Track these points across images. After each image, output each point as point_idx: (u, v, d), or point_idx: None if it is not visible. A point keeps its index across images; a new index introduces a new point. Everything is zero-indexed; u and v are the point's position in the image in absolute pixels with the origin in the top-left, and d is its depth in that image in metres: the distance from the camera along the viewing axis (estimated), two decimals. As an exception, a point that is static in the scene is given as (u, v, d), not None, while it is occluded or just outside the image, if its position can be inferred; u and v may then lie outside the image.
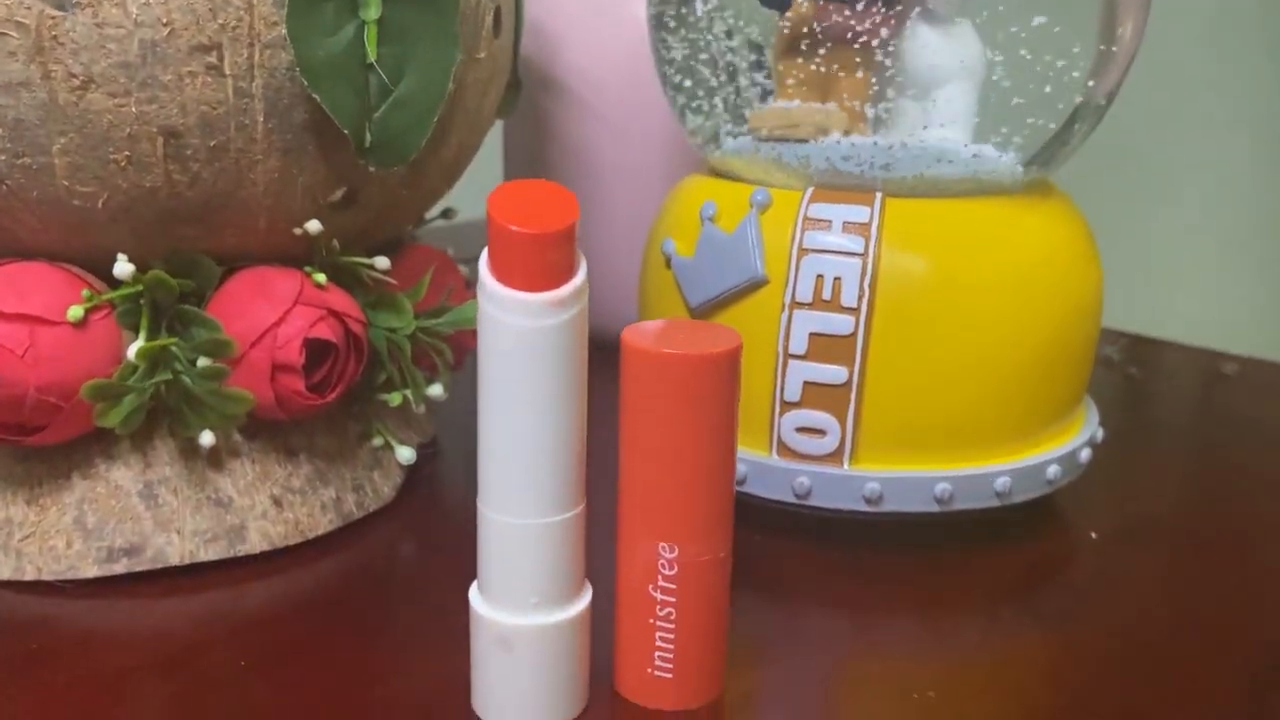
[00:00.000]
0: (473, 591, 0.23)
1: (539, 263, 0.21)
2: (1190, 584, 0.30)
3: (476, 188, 0.39)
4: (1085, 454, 0.32)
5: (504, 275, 0.21)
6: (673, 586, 0.23)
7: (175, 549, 0.28)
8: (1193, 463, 0.39)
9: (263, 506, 0.30)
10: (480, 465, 0.22)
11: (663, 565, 0.23)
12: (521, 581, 0.22)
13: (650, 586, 0.23)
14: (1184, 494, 0.36)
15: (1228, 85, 0.66)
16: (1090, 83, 0.30)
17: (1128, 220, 0.67)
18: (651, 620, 0.24)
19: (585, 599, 0.23)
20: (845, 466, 0.30)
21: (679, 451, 0.23)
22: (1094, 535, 0.33)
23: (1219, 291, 0.67)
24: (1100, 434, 0.33)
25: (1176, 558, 0.32)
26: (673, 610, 0.23)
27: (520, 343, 0.21)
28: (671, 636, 0.24)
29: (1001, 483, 0.30)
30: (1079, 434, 0.32)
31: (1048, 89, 0.30)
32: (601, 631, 0.24)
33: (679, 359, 0.22)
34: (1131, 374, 0.47)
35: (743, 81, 0.32)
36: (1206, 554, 0.32)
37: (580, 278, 0.22)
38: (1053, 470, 0.31)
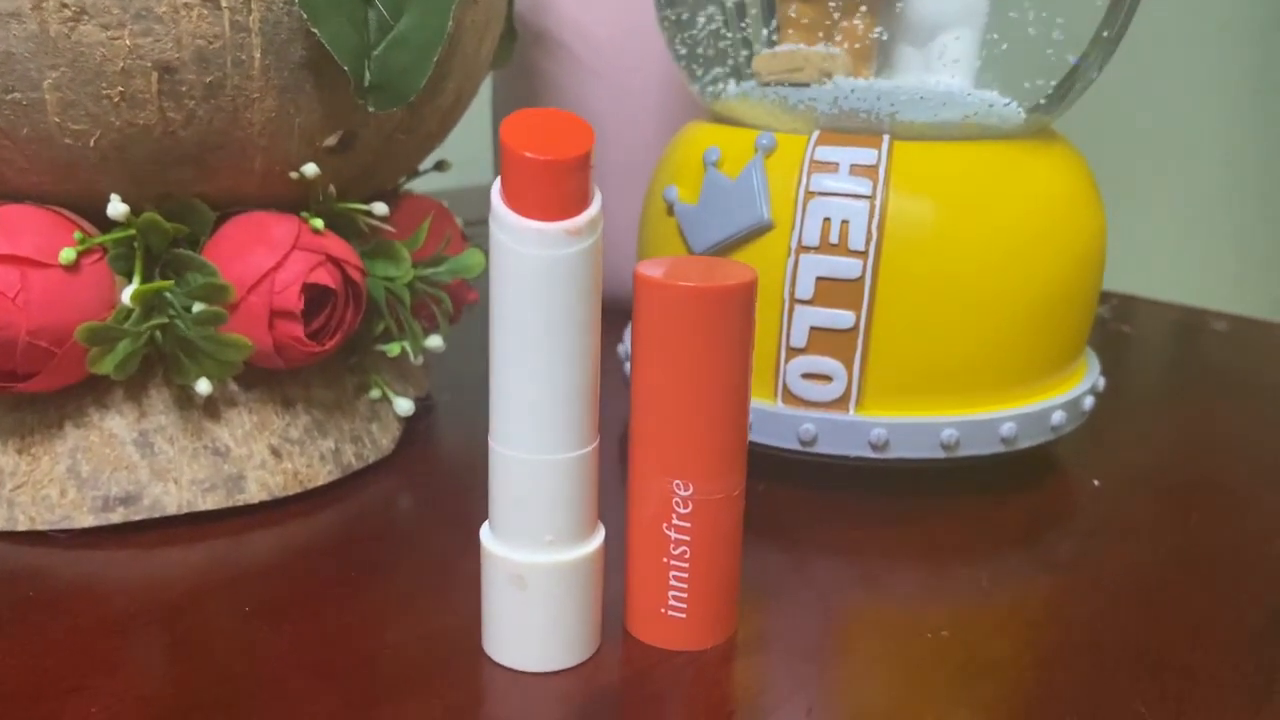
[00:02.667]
0: (484, 531, 0.23)
1: (554, 191, 0.21)
2: (1192, 530, 0.30)
3: (464, 152, 0.39)
4: (1089, 401, 0.32)
5: (518, 203, 0.21)
6: (687, 525, 0.23)
7: (173, 498, 0.28)
8: (1189, 414, 0.39)
9: (261, 456, 0.29)
10: (492, 401, 0.22)
11: (677, 503, 0.23)
12: (536, 519, 0.22)
13: (664, 525, 0.23)
14: (1182, 444, 0.36)
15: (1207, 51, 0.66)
16: (1102, 31, 0.29)
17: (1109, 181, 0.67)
18: (665, 559, 0.23)
19: (599, 538, 0.23)
20: (851, 413, 0.30)
21: (694, 386, 0.22)
22: (1097, 483, 0.33)
23: (1196, 255, 0.68)
24: (1102, 382, 0.33)
25: (1177, 504, 0.32)
26: (687, 549, 0.23)
27: (535, 273, 0.21)
28: (685, 575, 0.23)
29: (1007, 428, 0.30)
30: (1082, 381, 0.32)
31: (1056, 33, 0.29)
32: (613, 574, 0.24)
33: (694, 291, 0.22)
34: (1124, 331, 0.47)
35: (747, 25, 0.32)
36: (1206, 501, 0.32)
37: (596, 207, 0.21)
38: (1057, 416, 0.31)
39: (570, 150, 0.21)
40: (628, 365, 0.34)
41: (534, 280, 0.21)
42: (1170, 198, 0.67)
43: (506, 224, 0.21)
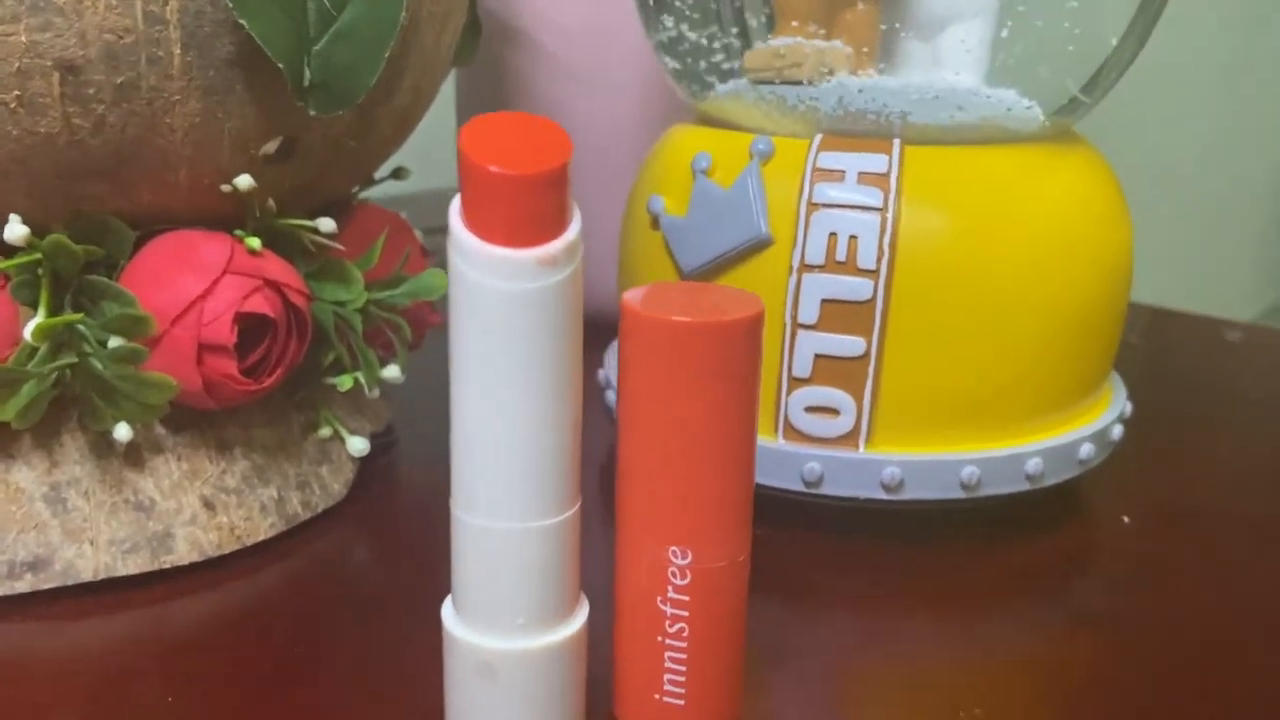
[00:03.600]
0: (446, 608, 0.20)
1: (525, 212, 0.17)
2: (1237, 570, 0.27)
3: (425, 154, 0.35)
4: (1117, 430, 0.29)
5: (482, 227, 0.17)
6: (685, 598, 0.20)
7: (88, 562, 0.24)
8: (1214, 438, 0.36)
9: (191, 510, 0.26)
10: (454, 459, 0.19)
11: (673, 573, 0.20)
12: (506, 598, 0.19)
13: (658, 599, 0.20)
14: (1211, 472, 0.33)
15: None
16: (1135, 22, 0.26)
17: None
18: (660, 638, 0.20)
19: (581, 616, 0.20)
20: (861, 450, 0.26)
21: (693, 437, 0.19)
22: (1126, 520, 0.30)
23: (1201, 258, 0.66)
24: (1129, 408, 0.30)
25: (1214, 541, 0.29)
26: (685, 626, 0.20)
27: (502, 309, 0.17)
28: (684, 656, 0.20)
29: (1033, 464, 0.27)
30: (1109, 409, 0.29)
31: (1081, 30, 0.26)
32: (598, 651, 0.21)
33: (694, 328, 0.18)
34: (1132, 343, 0.44)
35: (738, 15, 0.28)
36: (1244, 536, 0.29)
37: (574, 230, 0.18)
38: (1085, 449, 0.28)
39: (544, 162, 0.17)
40: (609, 394, 0.31)
41: (502, 317, 0.17)
42: (1172, 198, 0.65)
43: (468, 251, 0.17)
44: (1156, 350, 0.44)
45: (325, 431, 0.29)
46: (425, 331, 0.31)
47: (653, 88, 0.40)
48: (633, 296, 0.19)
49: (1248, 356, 0.44)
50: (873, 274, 0.25)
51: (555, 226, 0.17)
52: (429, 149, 0.39)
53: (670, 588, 0.20)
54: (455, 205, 0.18)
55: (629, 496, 0.20)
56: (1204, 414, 0.38)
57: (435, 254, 0.33)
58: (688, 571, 0.19)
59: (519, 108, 0.41)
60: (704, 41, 0.29)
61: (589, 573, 0.20)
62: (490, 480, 0.18)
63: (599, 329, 0.27)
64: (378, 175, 0.32)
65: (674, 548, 0.19)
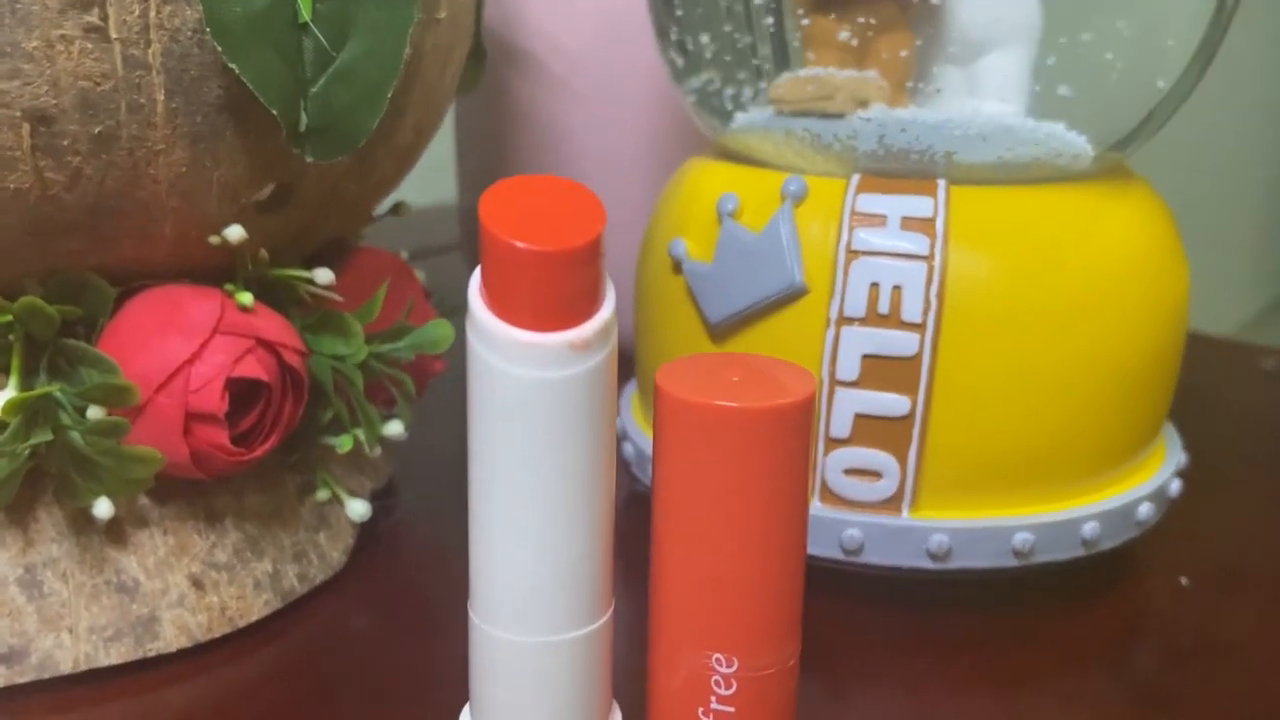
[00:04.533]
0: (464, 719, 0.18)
1: (555, 291, 0.15)
2: (1306, 639, 0.25)
3: (421, 171, 0.33)
4: (1175, 486, 0.27)
5: (505, 308, 0.15)
6: (730, 709, 0.18)
7: (67, 652, 0.22)
8: (1268, 485, 0.34)
9: (179, 590, 0.23)
10: (473, 565, 0.17)
11: (716, 682, 0.18)
12: (532, 715, 0.17)
13: (700, 710, 0.18)
14: (1271, 525, 0.31)
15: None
16: (1197, 43, 0.24)
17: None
18: (701, 751, 0.18)
19: (615, 728, 0.18)
20: (905, 515, 0.24)
21: (739, 533, 0.17)
22: (1185, 581, 0.28)
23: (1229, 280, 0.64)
24: (1184, 459, 0.28)
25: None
26: (729, 737, 0.18)
27: (529, 400, 0.15)
28: (728, 771, 0.18)
29: (1090, 529, 0.25)
30: (1165, 462, 0.27)
31: (1137, 61, 0.24)
32: (632, 762, 0.19)
33: (741, 414, 0.16)
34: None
35: (762, 41, 0.26)
36: (1313, 598, 0.27)
37: (608, 310, 0.16)
38: (1144, 510, 0.26)
39: (575, 235, 0.15)
40: (625, 446, 0.29)
41: (528, 409, 0.15)
42: (1201, 219, 0.63)
43: (490, 335, 0.15)
44: (1190, 382, 0.42)
45: (323, 494, 0.27)
46: (428, 381, 0.29)
47: (662, 110, 0.38)
48: (667, 375, 0.17)
49: (1286, 386, 0.42)
50: (919, 327, 0.23)
51: (588, 306, 0.16)
52: (426, 164, 0.37)
53: (714, 698, 0.18)
54: (475, 282, 0.16)
55: (666, 598, 0.18)
56: (1253, 454, 0.36)
57: (436, 293, 0.30)
58: (733, 680, 0.17)
59: (521, 131, 0.39)
60: (727, 72, 0.27)
61: (626, 684, 0.18)
62: (514, 589, 0.16)
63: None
64: (376, 212, 0.30)
65: (718, 655, 0.17)
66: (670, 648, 0.18)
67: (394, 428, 0.27)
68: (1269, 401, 0.41)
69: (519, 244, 0.15)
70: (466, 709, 0.18)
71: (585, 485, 0.16)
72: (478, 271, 0.16)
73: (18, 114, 0.19)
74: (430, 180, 0.42)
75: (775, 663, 0.18)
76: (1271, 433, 0.38)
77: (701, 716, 0.18)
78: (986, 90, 0.25)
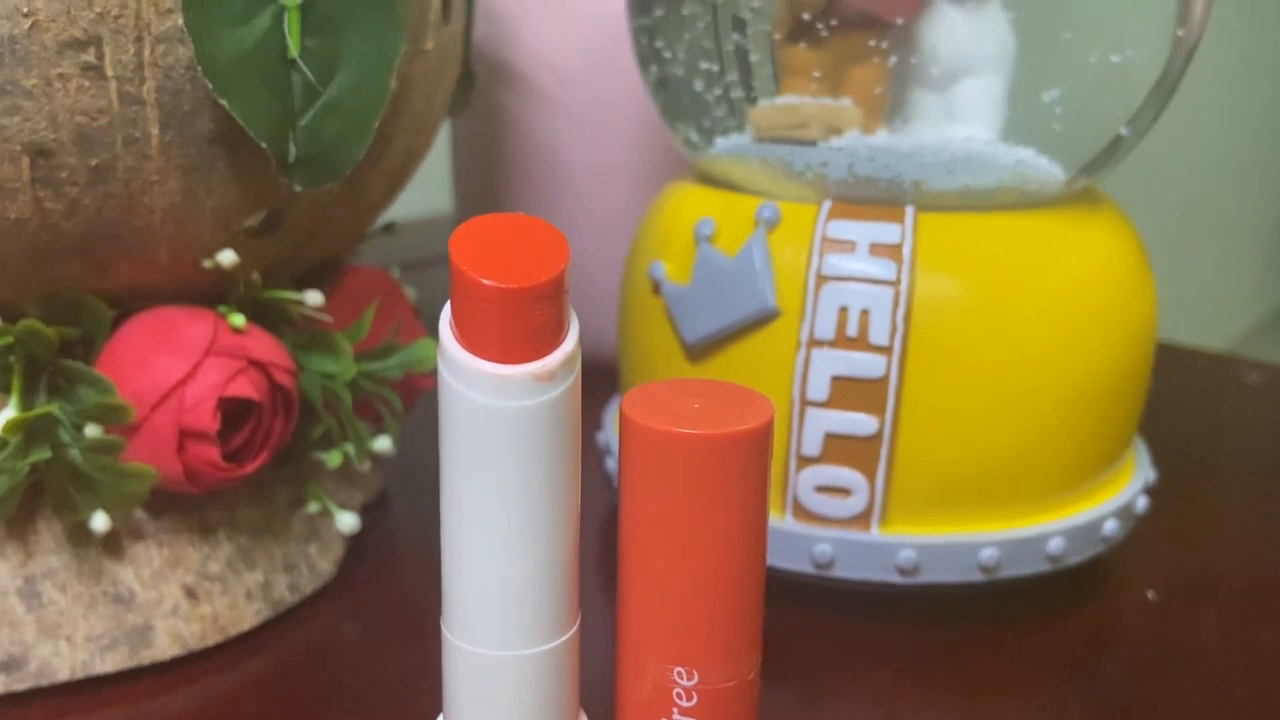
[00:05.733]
0: (438, 731, 0.19)
1: (520, 325, 0.16)
2: (1273, 649, 0.26)
3: (415, 184, 0.34)
4: (1142, 503, 0.28)
5: (473, 342, 0.16)
6: (691, 720, 0.18)
7: (64, 660, 0.23)
8: (1243, 495, 0.35)
9: (173, 600, 0.24)
10: (445, 581, 0.17)
11: (678, 695, 0.18)
12: (501, 726, 0.18)
13: (663, 720, 0.19)
14: (1240, 538, 0.32)
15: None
16: (1159, 73, 0.25)
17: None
18: (665, 760, 0.19)
19: (582, 738, 0.19)
20: (874, 531, 0.25)
21: (700, 553, 0.18)
22: (1151, 595, 0.28)
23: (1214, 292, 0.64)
24: (1153, 476, 0.29)
25: (1245, 618, 0.28)
26: (691, 748, 0.19)
27: (496, 427, 0.16)
28: (690, 780, 0.19)
29: (1055, 544, 0.25)
30: (1132, 479, 0.28)
31: (1114, 81, 0.25)
32: (600, 770, 0.19)
33: (700, 441, 0.17)
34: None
35: (739, 71, 0.27)
36: (1279, 611, 0.28)
37: (571, 341, 0.17)
38: (1110, 526, 0.26)
39: (539, 272, 0.16)
40: (609, 461, 0.30)
41: (496, 436, 0.16)
42: (1183, 230, 0.64)
43: (459, 367, 0.16)
44: (1174, 395, 0.43)
45: (314, 507, 0.28)
46: (417, 398, 0.30)
47: (652, 128, 0.39)
48: (631, 402, 0.18)
49: (1273, 400, 0.42)
50: (886, 350, 0.24)
51: (552, 339, 0.16)
52: (421, 177, 0.38)
53: (675, 710, 0.18)
54: (446, 316, 0.16)
55: (630, 613, 0.18)
56: (1229, 467, 0.37)
57: (424, 309, 0.31)
58: (694, 693, 0.18)
59: (514, 148, 0.40)
60: (704, 98, 0.27)
61: (588, 670, 0.19)
62: (484, 606, 0.17)
63: (598, 379, 0.26)
64: (369, 230, 0.31)
65: (679, 668, 0.18)
66: (635, 661, 0.19)
67: (383, 443, 0.28)
68: (1250, 415, 0.41)
69: (485, 281, 0.16)
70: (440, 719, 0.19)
71: (549, 507, 0.17)
72: (448, 305, 0.17)
73: (18, 148, 0.20)
74: (426, 192, 0.43)
75: (735, 676, 0.18)
76: (1249, 446, 0.39)
77: (664, 727, 0.19)
78: (961, 116, 0.26)
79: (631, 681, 0.19)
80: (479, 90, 0.40)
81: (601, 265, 0.38)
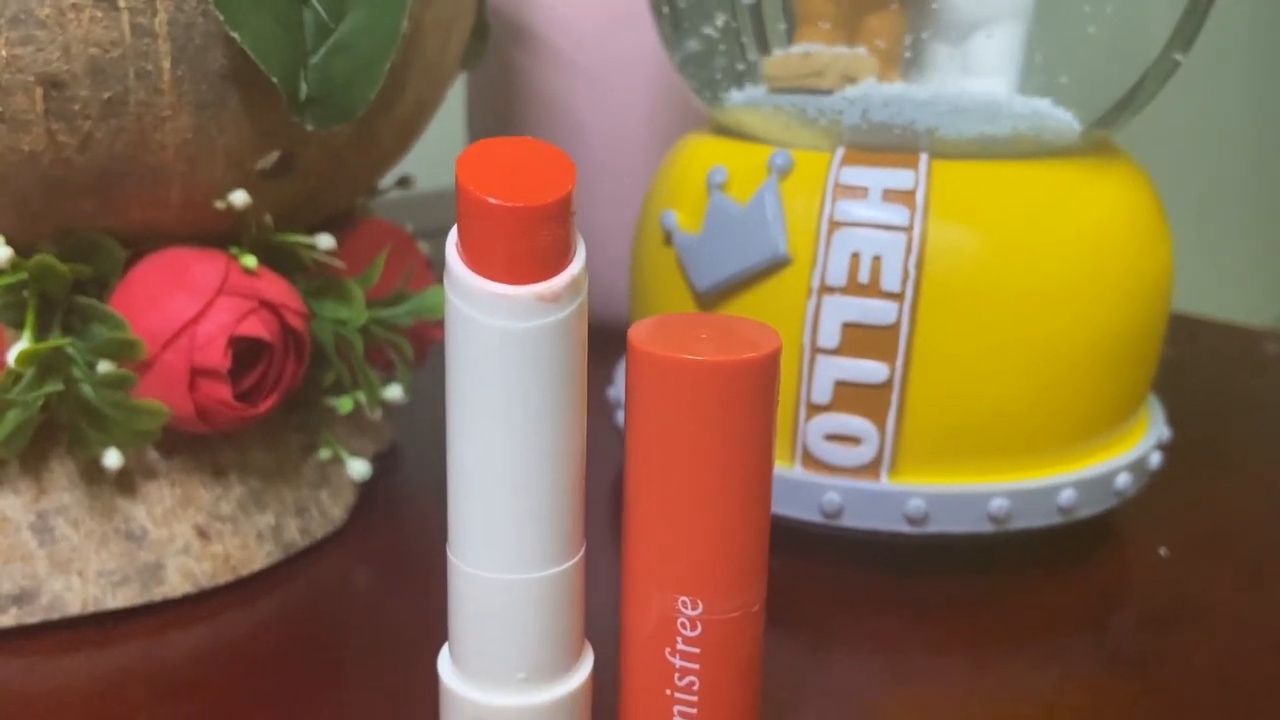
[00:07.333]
0: (443, 659, 0.19)
1: (526, 245, 0.16)
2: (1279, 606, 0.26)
3: (434, 153, 0.34)
4: (1156, 458, 0.27)
5: (479, 262, 0.16)
6: (695, 650, 0.18)
7: (76, 595, 0.23)
8: (1259, 461, 0.35)
9: (184, 539, 0.25)
10: (451, 505, 0.17)
11: (683, 624, 0.18)
12: (506, 651, 0.18)
13: (667, 650, 0.19)
14: (1257, 498, 0.32)
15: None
16: (1176, 22, 0.25)
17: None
18: (669, 691, 0.19)
19: (585, 668, 0.19)
20: (883, 480, 0.25)
21: (704, 483, 0.18)
22: (1164, 552, 0.28)
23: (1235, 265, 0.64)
24: (1168, 434, 0.28)
25: (1262, 574, 0.27)
26: (695, 679, 0.19)
27: (501, 349, 0.16)
28: (694, 711, 0.19)
29: (1066, 496, 0.25)
30: (1146, 435, 0.28)
31: (1121, 35, 0.25)
32: (604, 703, 0.19)
33: (706, 367, 0.17)
34: (1166, 354, 0.43)
35: (753, 19, 0.27)
36: (1290, 571, 0.28)
37: (578, 264, 0.17)
38: (1122, 479, 0.26)
39: (546, 193, 0.16)
40: (619, 414, 0.30)
41: (501, 357, 0.16)
42: (1204, 201, 0.63)
43: (465, 288, 0.16)
44: (1192, 364, 0.42)
45: (325, 454, 0.28)
46: (429, 348, 0.30)
47: (667, 88, 0.39)
48: (639, 331, 0.18)
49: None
50: (897, 297, 0.24)
51: (558, 260, 0.16)
52: (436, 150, 0.38)
53: (680, 639, 0.18)
54: (452, 238, 0.16)
55: (636, 543, 0.18)
56: (1246, 434, 0.37)
57: (439, 267, 0.31)
58: (698, 622, 0.18)
59: (529, 109, 0.40)
60: (720, 48, 0.27)
61: (598, 608, 0.19)
62: (489, 529, 0.17)
63: (610, 338, 0.26)
64: (382, 184, 0.31)
65: (683, 597, 0.18)
66: (640, 591, 0.19)
67: (394, 391, 0.28)
68: (1269, 384, 0.41)
69: (492, 200, 0.16)
70: (445, 650, 0.19)
71: (554, 430, 0.17)
72: (454, 230, 0.17)
73: (31, 79, 0.20)
74: (444, 163, 0.43)
75: (739, 606, 0.18)
76: (1267, 414, 0.38)
77: (669, 658, 0.19)
78: (976, 67, 0.26)
79: (636, 612, 0.19)
80: (495, 51, 0.40)
81: (615, 226, 0.38)
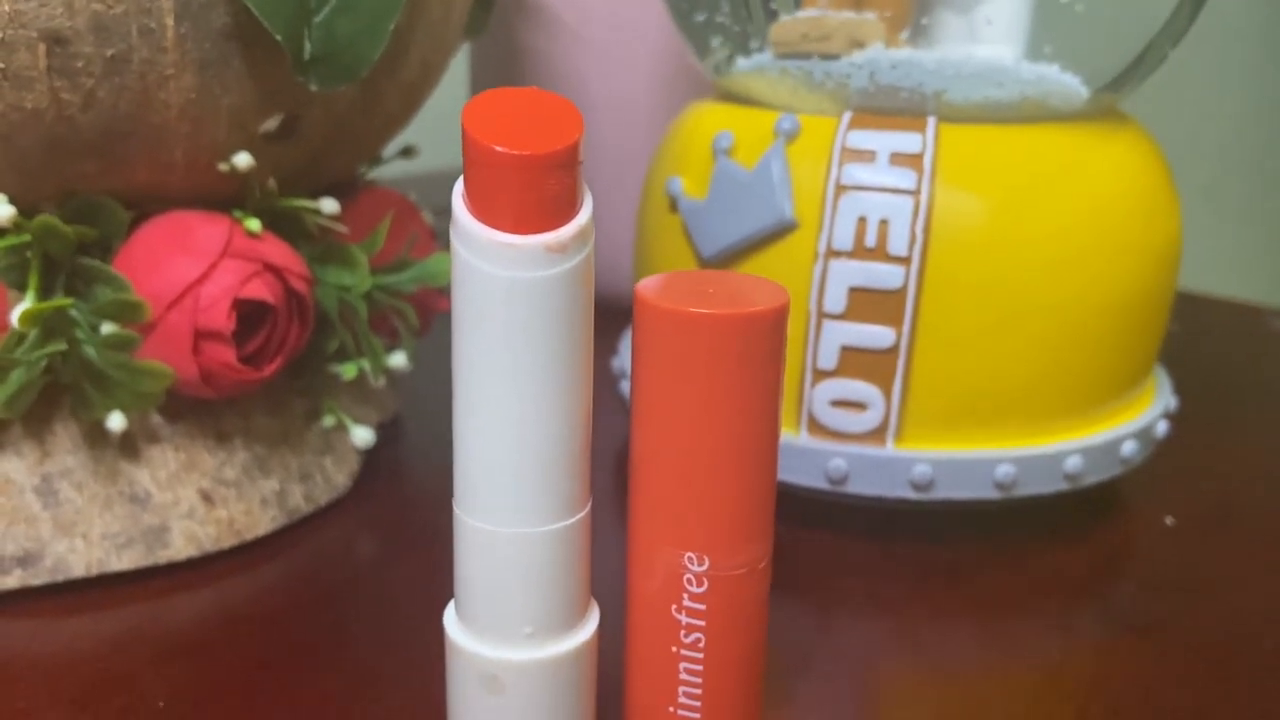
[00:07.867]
0: (448, 616, 0.19)
1: (533, 194, 0.16)
2: (1286, 577, 0.26)
3: (437, 131, 0.34)
4: (1162, 427, 0.27)
5: (486, 212, 0.16)
6: (701, 606, 0.18)
7: (80, 557, 0.23)
8: (1263, 434, 0.34)
9: (189, 503, 0.25)
10: (456, 458, 0.17)
11: (689, 580, 0.18)
12: (512, 606, 0.18)
13: (673, 607, 0.18)
14: (1261, 470, 0.32)
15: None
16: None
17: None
18: (675, 648, 0.19)
19: (592, 623, 0.19)
20: (889, 446, 0.25)
21: (711, 438, 0.18)
22: (1170, 521, 0.28)
23: (1237, 243, 0.63)
24: (1174, 403, 0.28)
25: (1267, 544, 0.27)
26: (701, 635, 0.19)
27: (508, 299, 0.16)
28: (700, 668, 0.19)
29: (1072, 463, 0.25)
30: (1153, 404, 0.28)
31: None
32: (609, 660, 0.19)
33: (714, 321, 0.17)
34: (1172, 330, 0.43)
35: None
36: (1296, 540, 0.28)
37: (585, 214, 0.16)
38: (1128, 447, 0.26)
39: (553, 141, 0.16)
40: (624, 384, 0.29)
41: (508, 308, 0.16)
42: (1212, 179, 0.63)
43: (472, 237, 0.16)
44: (1198, 339, 0.42)
45: (329, 420, 0.28)
46: (433, 317, 0.30)
47: (673, 59, 0.39)
48: (646, 286, 0.18)
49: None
50: (904, 261, 0.24)
51: (565, 210, 0.16)
52: (441, 125, 0.38)
53: (685, 595, 0.18)
54: (459, 188, 0.16)
55: (642, 498, 0.18)
56: (1251, 408, 0.36)
57: (443, 237, 0.31)
58: (704, 579, 0.18)
59: (534, 81, 0.40)
60: (726, 13, 0.27)
61: (602, 572, 0.19)
62: (495, 482, 0.17)
63: (614, 314, 0.26)
64: (386, 154, 0.31)
65: (689, 553, 0.18)
66: (646, 547, 0.19)
67: (398, 359, 0.28)
68: (1273, 360, 0.41)
69: (499, 148, 0.16)
70: (451, 606, 0.19)
71: (560, 383, 0.17)
72: (461, 178, 0.16)
73: (34, 34, 0.20)
74: (452, 141, 0.43)
75: (745, 563, 0.18)
76: (1272, 389, 0.38)
77: (675, 614, 0.19)
78: (984, 36, 0.26)
79: (642, 569, 0.19)
80: (499, 22, 0.40)
81: (620, 200, 0.38)
